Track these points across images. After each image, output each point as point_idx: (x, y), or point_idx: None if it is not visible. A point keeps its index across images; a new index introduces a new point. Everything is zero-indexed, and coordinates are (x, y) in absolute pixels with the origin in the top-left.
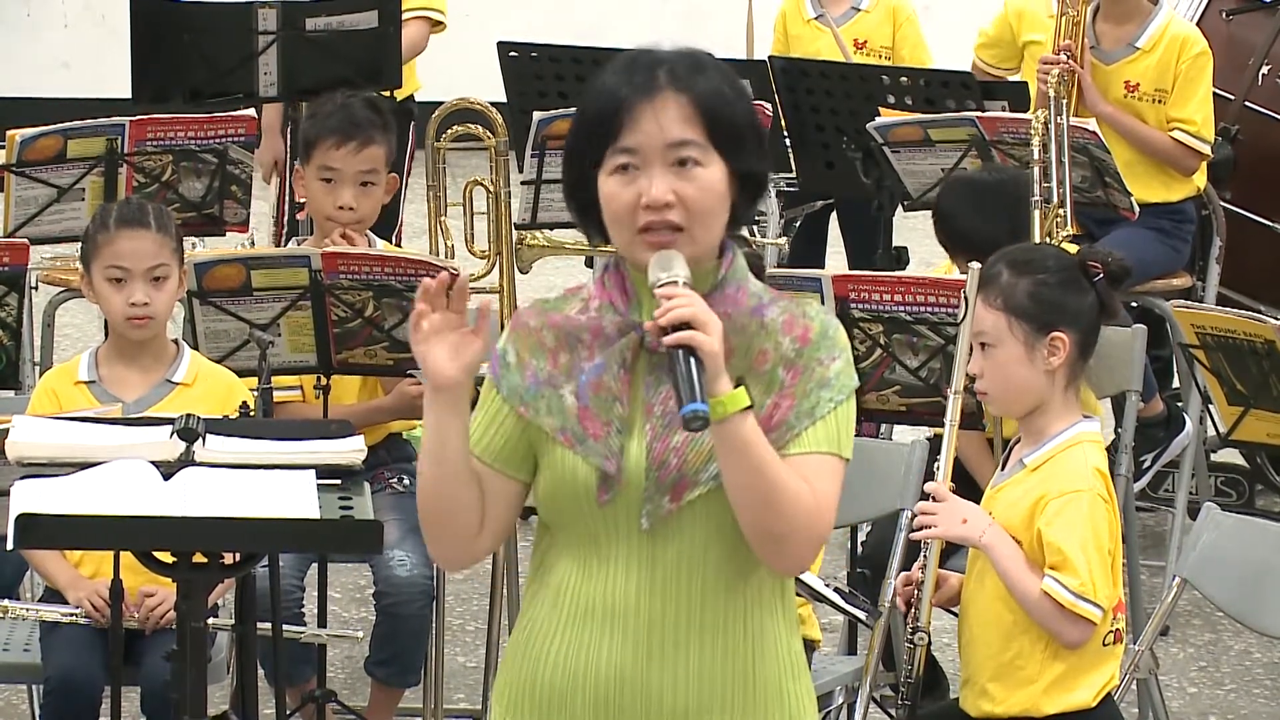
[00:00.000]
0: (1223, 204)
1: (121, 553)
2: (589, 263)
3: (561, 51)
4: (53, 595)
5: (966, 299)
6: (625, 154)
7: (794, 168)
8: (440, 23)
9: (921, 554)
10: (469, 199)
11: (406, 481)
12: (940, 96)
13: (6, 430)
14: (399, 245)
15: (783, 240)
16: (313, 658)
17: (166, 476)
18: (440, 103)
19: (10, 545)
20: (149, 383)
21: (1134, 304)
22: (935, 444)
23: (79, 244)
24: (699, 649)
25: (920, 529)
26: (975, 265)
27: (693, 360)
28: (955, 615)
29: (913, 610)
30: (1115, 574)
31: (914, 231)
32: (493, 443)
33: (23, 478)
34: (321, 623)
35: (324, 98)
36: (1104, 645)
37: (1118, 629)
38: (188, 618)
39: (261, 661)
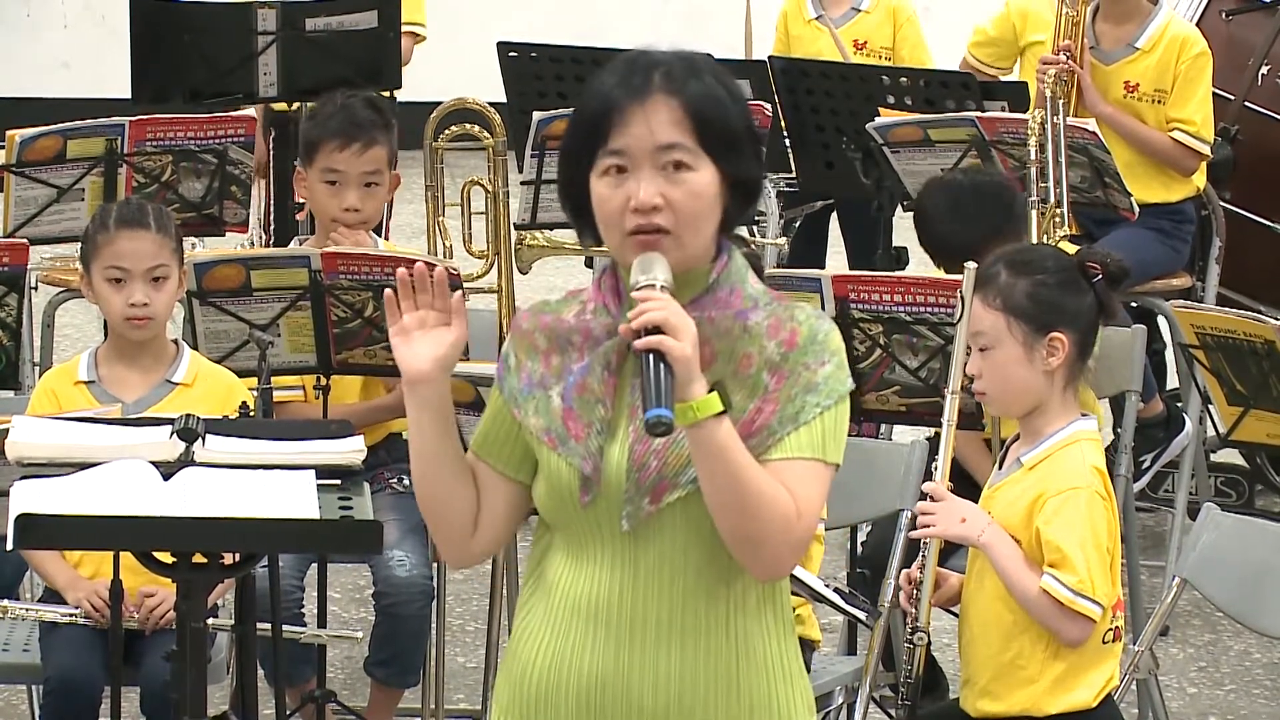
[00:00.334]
0: (1222, 204)
1: (121, 553)
2: (589, 263)
3: (561, 52)
4: (52, 595)
5: (963, 299)
6: (615, 156)
7: (794, 168)
8: (422, 36)
9: (921, 554)
10: (467, 199)
11: (406, 481)
12: (940, 97)
13: (6, 430)
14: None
15: (782, 240)
16: (313, 658)
17: (166, 477)
18: (439, 102)
19: (10, 545)
20: (149, 383)
21: (1134, 304)
22: (935, 444)
23: (79, 244)
24: (680, 651)
25: (919, 528)
26: (971, 265)
27: (662, 365)
28: (955, 615)
29: (913, 610)
30: (1114, 572)
31: (914, 231)
32: (493, 443)
33: (23, 478)
34: (321, 623)
35: (324, 99)
36: (1104, 643)
37: (1117, 627)
38: (188, 618)
39: (261, 662)
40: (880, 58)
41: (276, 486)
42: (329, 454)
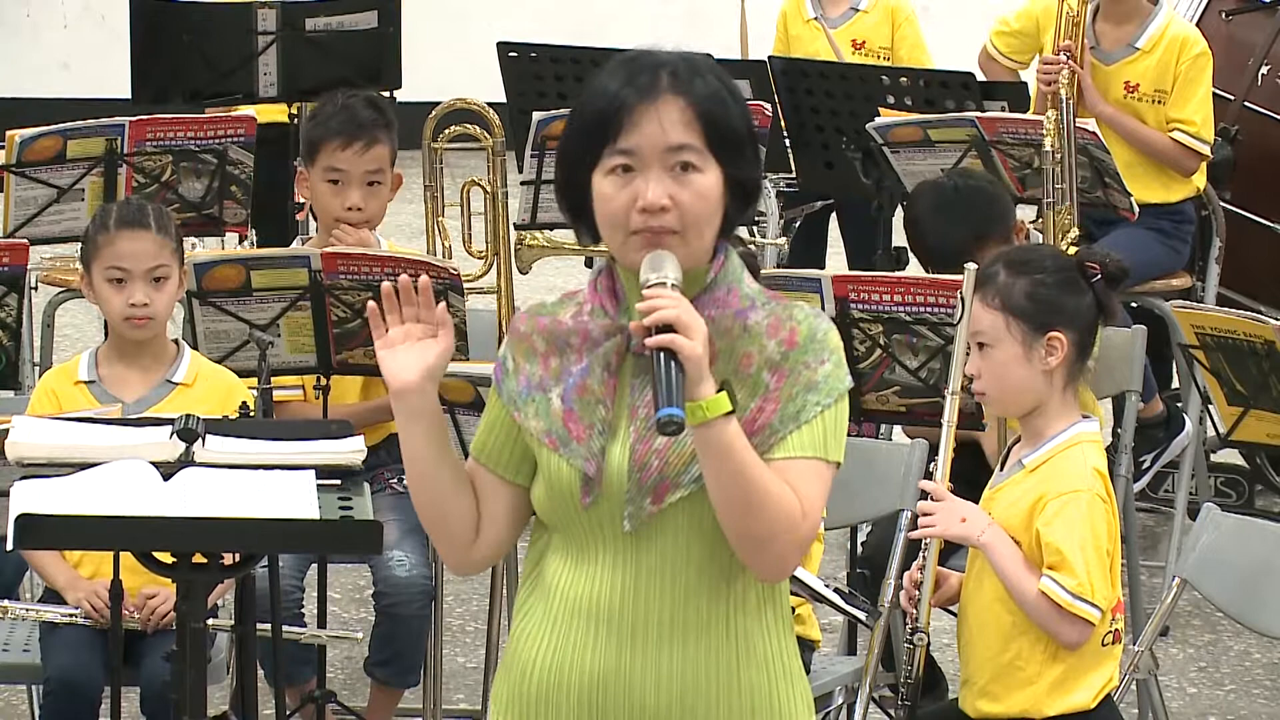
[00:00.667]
0: (1222, 204)
1: (121, 553)
2: (589, 263)
3: (561, 51)
4: (52, 595)
5: (963, 299)
6: (623, 155)
7: (794, 168)
8: None
9: (921, 554)
10: (466, 199)
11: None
12: (940, 97)
13: (6, 430)
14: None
15: (782, 240)
16: (312, 658)
17: (166, 477)
18: (438, 102)
19: (10, 545)
20: (149, 383)
21: (1134, 304)
22: (935, 444)
23: (79, 244)
24: (681, 650)
25: (920, 528)
26: (971, 266)
27: (673, 364)
28: (955, 615)
29: (913, 611)
30: (1114, 574)
31: None
32: (492, 447)
33: (22, 478)
34: (321, 623)
35: (324, 98)
36: (1103, 646)
37: (1117, 629)
38: (188, 618)
39: (261, 662)
40: (879, 58)
41: (276, 487)
42: (329, 454)
